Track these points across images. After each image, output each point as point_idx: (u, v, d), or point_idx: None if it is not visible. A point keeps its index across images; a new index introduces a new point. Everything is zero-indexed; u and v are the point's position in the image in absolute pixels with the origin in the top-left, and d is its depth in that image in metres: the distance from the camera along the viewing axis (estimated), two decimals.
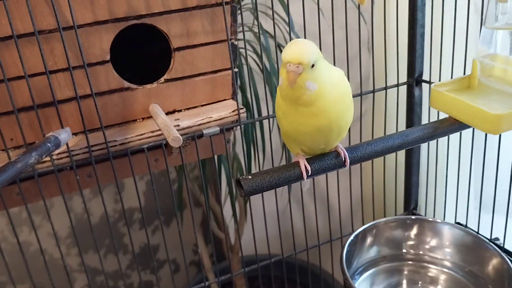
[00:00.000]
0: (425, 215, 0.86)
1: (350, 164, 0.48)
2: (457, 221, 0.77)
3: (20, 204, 0.59)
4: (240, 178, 0.42)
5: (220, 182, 1.07)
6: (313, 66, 0.41)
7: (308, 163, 0.45)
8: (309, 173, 0.45)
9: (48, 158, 0.56)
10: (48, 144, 0.51)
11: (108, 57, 0.60)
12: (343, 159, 0.47)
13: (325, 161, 0.46)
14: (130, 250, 1.32)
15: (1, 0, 0.51)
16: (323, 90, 0.42)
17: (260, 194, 0.71)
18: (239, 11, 1.05)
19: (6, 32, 0.53)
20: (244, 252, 0.84)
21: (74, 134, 0.61)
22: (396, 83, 0.76)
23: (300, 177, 0.44)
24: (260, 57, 0.90)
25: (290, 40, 0.74)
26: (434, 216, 0.84)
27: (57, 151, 0.56)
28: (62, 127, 0.56)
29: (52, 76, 0.57)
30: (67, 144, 0.56)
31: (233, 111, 0.65)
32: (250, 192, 0.41)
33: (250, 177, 0.42)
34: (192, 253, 1.44)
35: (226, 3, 0.62)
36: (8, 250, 1.14)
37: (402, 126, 0.80)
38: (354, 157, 0.47)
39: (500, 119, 0.49)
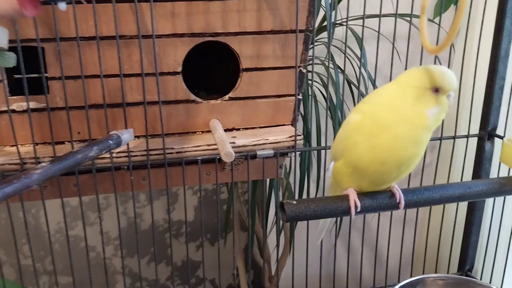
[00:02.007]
0: (481, 279, 0.79)
1: (404, 208, 0.45)
2: None
3: (75, 195, 0.62)
4: (284, 201, 0.41)
5: (268, 209, 1.06)
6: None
7: (359, 199, 0.44)
8: (358, 209, 0.43)
9: (107, 155, 0.59)
10: (110, 141, 0.53)
11: (180, 69, 0.62)
12: (398, 200, 0.45)
13: (377, 199, 0.44)
14: (173, 262, 1.33)
15: (90, 3, 0.54)
16: None
17: (306, 229, 0.70)
18: (312, 45, 1.06)
19: (91, 33, 0.57)
20: (282, 285, 0.82)
21: (136, 137, 0.63)
22: (466, 133, 0.72)
23: (347, 212, 0.43)
24: (326, 88, 0.89)
25: (359, 78, 0.73)
26: (490, 282, 0.78)
27: (117, 150, 0.58)
28: (127, 128, 0.59)
29: (126, 79, 0.61)
30: (127, 145, 0.59)
31: (290, 137, 0.65)
32: (292, 217, 0.40)
33: (294, 202, 0.41)
34: (232, 276, 1.42)
35: (300, 31, 0.63)
36: (61, 241, 1.20)
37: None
38: (410, 201, 0.45)
39: None
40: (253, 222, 1.11)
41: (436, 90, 0.41)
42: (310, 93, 1.04)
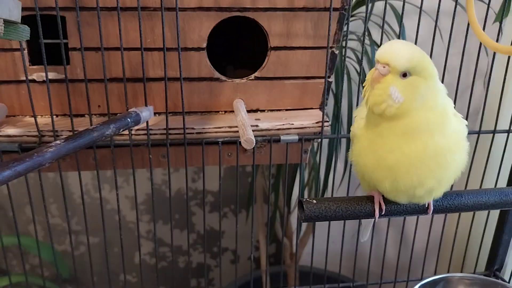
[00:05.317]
0: (509, 281, 0.76)
1: (433, 213, 0.42)
2: None
3: (93, 169, 0.61)
4: (304, 200, 0.38)
5: (292, 186, 1.04)
6: (405, 75, 0.36)
7: (384, 202, 0.41)
8: (383, 212, 0.40)
9: (126, 132, 0.57)
10: (128, 119, 0.51)
11: (204, 45, 0.59)
12: (426, 205, 0.42)
13: None
14: (196, 230, 1.34)
15: None
16: (412, 108, 0.37)
17: None
18: (351, 18, 1.00)
19: (113, 3, 0.54)
20: (305, 261, 0.80)
21: (158, 113, 0.61)
22: (507, 128, 0.67)
23: (371, 215, 0.40)
24: (360, 63, 0.85)
25: None
26: None
27: (136, 127, 0.57)
28: (146, 105, 0.57)
29: (148, 53, 0.58)
30: (147, 122, 0.57)
31: (316, 122, 0.61)
32: (311, 217, 0.37)
33: (314, 201, 0.38)
34: (254, 248, 1.42)
35: (335, 9, 0.59)
36: (87, 203, 1.22)
37: (503, 181, 0.70)
38: (439, 206, 0.42)
39: None
40: (276, 198, 1.09)
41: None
42: (345, 71, 1.00)
